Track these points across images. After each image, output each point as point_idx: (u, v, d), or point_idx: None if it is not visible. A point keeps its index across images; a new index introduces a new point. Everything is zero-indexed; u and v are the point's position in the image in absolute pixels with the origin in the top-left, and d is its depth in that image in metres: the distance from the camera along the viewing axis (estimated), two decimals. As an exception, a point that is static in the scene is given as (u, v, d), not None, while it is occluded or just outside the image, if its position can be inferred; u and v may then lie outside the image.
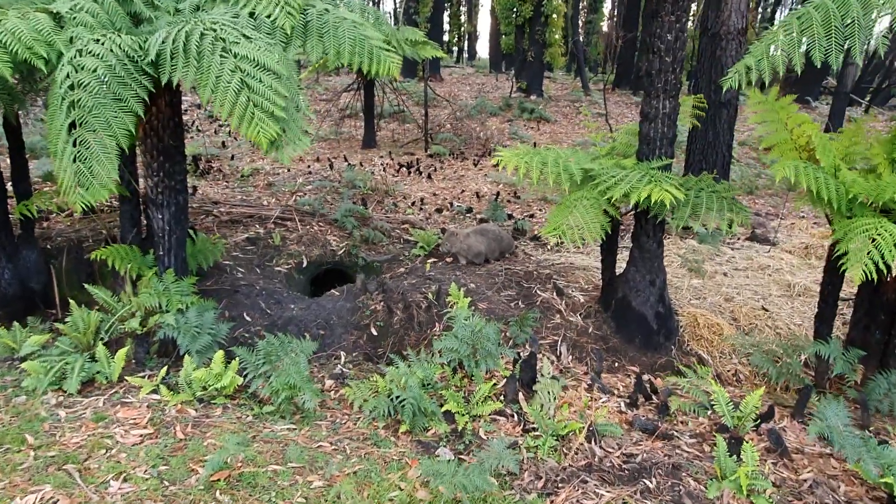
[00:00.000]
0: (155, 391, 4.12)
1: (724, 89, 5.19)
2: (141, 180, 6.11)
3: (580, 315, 6.47)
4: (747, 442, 3.60)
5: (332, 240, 8.28)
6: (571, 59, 30.74)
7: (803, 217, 10.92)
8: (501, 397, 4.37)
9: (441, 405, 4.08)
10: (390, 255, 8.07)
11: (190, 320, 4.61)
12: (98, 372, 4.23)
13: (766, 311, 6.71)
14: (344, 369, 5.01)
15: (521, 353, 5.69)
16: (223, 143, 13.50)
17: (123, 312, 4.71)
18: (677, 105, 5.64)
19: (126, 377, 4.30)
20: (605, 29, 39.73)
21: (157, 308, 4.68)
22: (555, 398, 4.37)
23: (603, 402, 4.51)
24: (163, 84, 4.50)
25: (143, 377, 4.38)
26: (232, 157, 12.52)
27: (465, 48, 47.51)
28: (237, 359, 4.16)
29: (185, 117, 15.13)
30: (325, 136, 15.46)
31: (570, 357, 6.02)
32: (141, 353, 4.58)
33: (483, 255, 7.51)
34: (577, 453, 3.77)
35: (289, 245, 7.87)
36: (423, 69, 15.84)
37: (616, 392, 4.80)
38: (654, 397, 4.58)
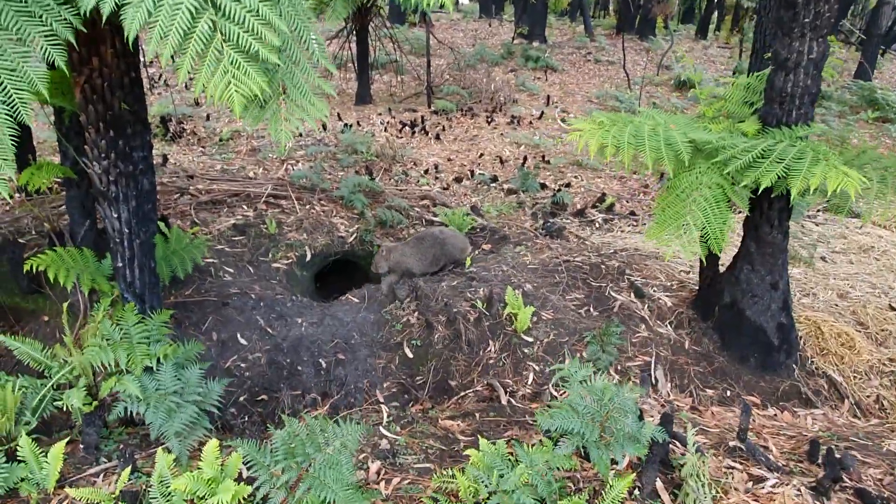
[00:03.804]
0: (114, 508, 2.66)
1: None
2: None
3: (670, 324, 5.06)
4: None
5: (339, 223, 6.71)
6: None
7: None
8: (636, 491, 2.98)
9: (560, 519, 2.67)
10: (413, 242, 6.54)
11: (164, 384, 3.11)
12: (24, 479, 2.74)
13: (897, 311, 5.36)
14: (389, 434, 3.56)
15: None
16: (196, 100, 11.66)
17: (61, 377, 3.18)
18: (827, 48, 4.12)
19: (68, 483, 2.82)
20: (597, -31, 37.44)
21: (113, 366, 3.16)
22: (709, 489, 2.98)
23: (771, 488, 3.15)
24: (102, 23, 2.88)
25: (96, 480, 2.90)
26: (207, 118, 10.74)
27: (450, -8, 44.87)
28: (238, 453, 2.69)
29: (149, 70, 13.18)
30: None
31: (670, 385, 4.64)
32: (92, 436, 3.08)
33: (412, 273, 5.79)
34: None
35: (287, 233, 6.30)
36: (421, 12, 13.93)
37: (774, 462, 3.42)
38: (844, 474, 3.22)
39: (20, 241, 5.83)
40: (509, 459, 2.90)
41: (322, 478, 2.51)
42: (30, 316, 5.51)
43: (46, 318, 5.45)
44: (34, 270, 4.29)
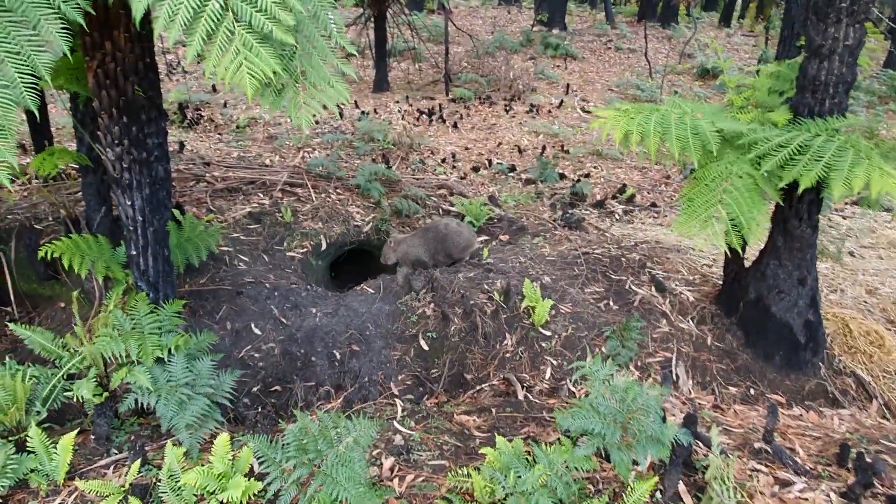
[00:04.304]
0: (124, 501, 2.61)
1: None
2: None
3: (692, 320, 4.94)
4: None
5: (354, 212, 6.64)
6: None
7: None
8: (657, 494, 2.88)
9: (578, 522, 2.58)
10: (429, 232, 6.45)
11: (175, 376, 3.06)
12: (33, 470, 2.71)
13: (929, 309, 5.18)
14: (403, 429, 3.49)
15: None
16: (213, 86, 11.63)
17: (71, 367, 3.14)
18: (864, 35, 3.94)
19: (78, 474, 2.78)
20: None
21: (123, 357, 3.12)
22: (734, 493, 2.88)
23: (799, 493, 3.03)
24: (112, 4, 2.82)
25: (106, 472, 2.86)
26: (224, 105, 10.71)
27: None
28: (249, 447, 2.63)
29: (167, 56, 13.17)
30: (329, 78, 13.50)
31: (691, 382, 4.53)
32: (103, 427, 3.05)
33: (425, 263, 5.70)
34: None
35: (302, 221, 6.24)
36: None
37: (802, 465, 3.30)
38: (875, 480, 3.10)
39: (37, 227, 5.83)
40: (527, 459, 2.82)
41: (334, 475, 2.44)
42: (47, 302, 5.52)
43: (63, 305, 5.45)
44: (49, 257, 4.27)
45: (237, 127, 9.81)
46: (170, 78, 12.24)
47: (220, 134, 9.66)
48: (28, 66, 2.16)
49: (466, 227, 5.89)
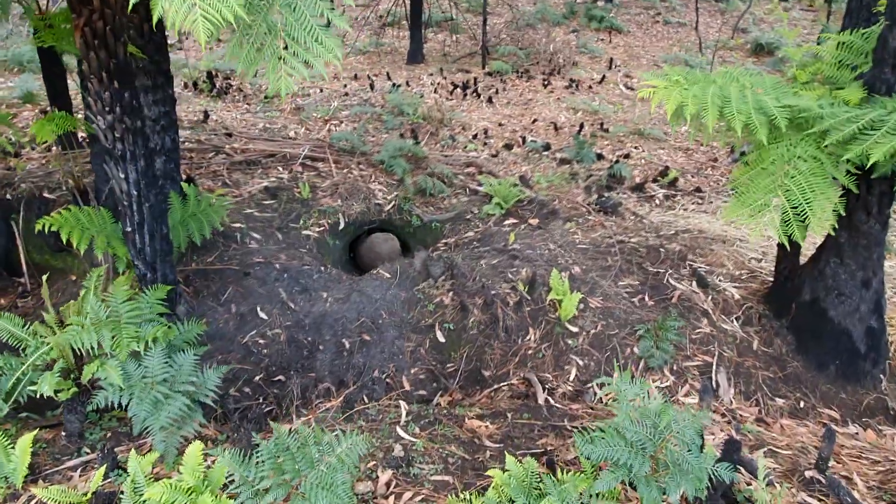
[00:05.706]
0: (84, 512, 2.35)
1: None
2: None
3: (736, 320, 4.47)
4: None
5: (377, 189, 6.29)
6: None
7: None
8: (691, 531, 2.50)
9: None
10: (454, 213, 6.07)
11: (152, 371, 2.77)
12: (-10, 471, 2.48)
13: None
14: (406, 435, 3.16)
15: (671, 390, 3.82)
16: (244, 55, 11.34)
17: (37, 358, 2.87)
18: (959, -1, 3.37)
19: (42, 476, 2.53)
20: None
21: (95, 348, 2.83)
22: (782, 532, 2.47)
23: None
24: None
25: (73, 475, 2.60)
26: (255, 73, 10.42)
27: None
28: (225, 454, 2.33)
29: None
30: (363, 49, 13.12)
31: (733, 391, 4.08)
32: (74, 424, 2.79)
33: None
34: None
35: (320, 198, 5.92)
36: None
37: (860, 501, 2.86)
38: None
39: (49, 196, 5.66)
40: (539, 485, 2.45)
41: (313, 499, 2.12)
42: (58, 274, 5.35)
43: (74, 278, 5.28)
44: (46, 230, 4.05)
45: (265, 97, 9.53)
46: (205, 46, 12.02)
47: (248, 104, 9.40)
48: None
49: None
